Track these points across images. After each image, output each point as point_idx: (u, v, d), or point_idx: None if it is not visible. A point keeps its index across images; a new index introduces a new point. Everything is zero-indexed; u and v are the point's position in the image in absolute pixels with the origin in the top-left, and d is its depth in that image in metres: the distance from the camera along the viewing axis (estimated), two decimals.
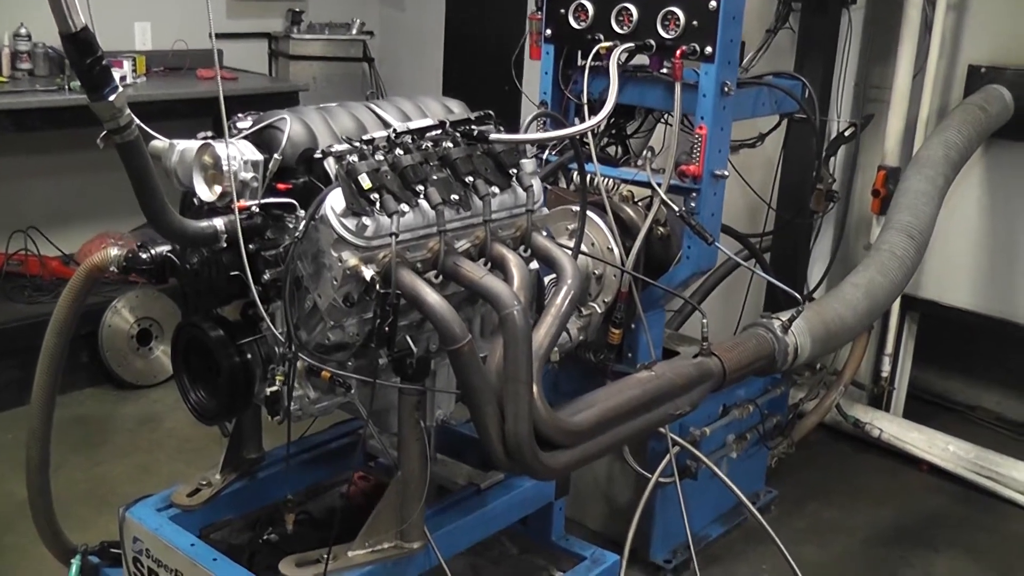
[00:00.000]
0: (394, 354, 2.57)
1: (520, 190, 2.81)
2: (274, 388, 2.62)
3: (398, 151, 2.59)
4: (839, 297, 3.68)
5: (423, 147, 2.67)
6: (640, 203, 3.67)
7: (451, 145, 2.70)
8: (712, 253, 3.56)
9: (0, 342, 4.63)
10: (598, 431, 2.77)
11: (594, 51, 3.51)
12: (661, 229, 3.64)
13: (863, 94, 4.71)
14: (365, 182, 2.47)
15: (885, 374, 4.76)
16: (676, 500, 3.58)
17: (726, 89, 3.41)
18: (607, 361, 3.63)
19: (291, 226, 2.56)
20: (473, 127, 2.78)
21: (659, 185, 3.44)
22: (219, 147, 2.55)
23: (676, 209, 3.42)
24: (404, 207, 2.52)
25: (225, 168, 2.52)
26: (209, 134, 2.79)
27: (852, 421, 4.71)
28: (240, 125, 2.76)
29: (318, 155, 2.59)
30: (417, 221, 2.58)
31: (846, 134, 4.44)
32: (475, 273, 2.59)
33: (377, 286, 2.45)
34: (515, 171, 2.78)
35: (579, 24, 3.63)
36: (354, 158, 2.51)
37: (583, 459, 2.76)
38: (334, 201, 2.48)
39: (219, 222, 2.50)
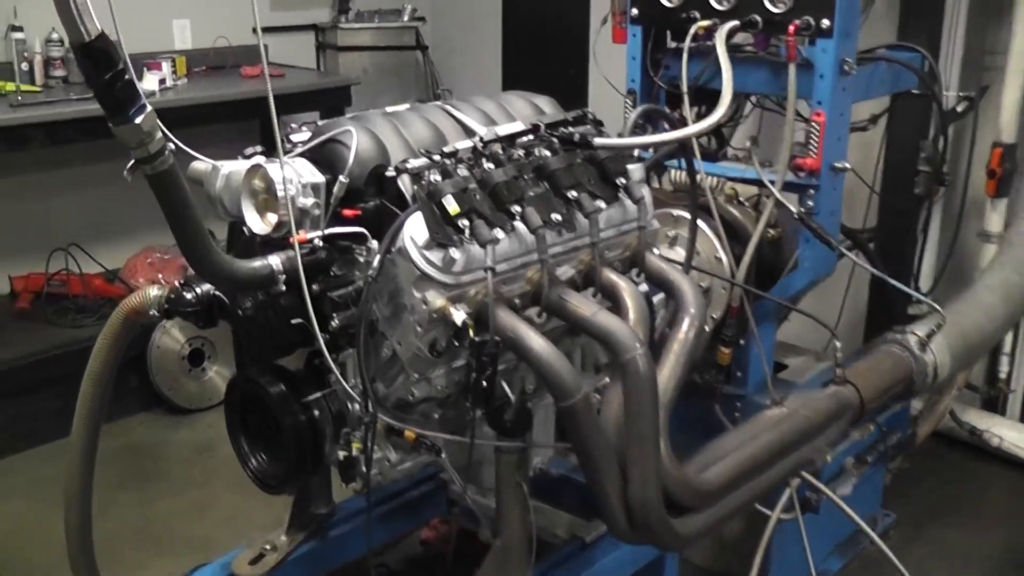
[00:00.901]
0: (490, 409, 2.06)
1: (629, 203, 2.29)
2: (347, 453, 2.12)
3: (487, 164, 2.07)
4: (975, 302, 3.13)
5: (515, 157, 2.15)
6: (746, 203, 3.13)
7: (548, 153, 2.17)
8: (832, 258, 3.02)
9: (43, 371, 4.18)
10: (733, 487, 2.25)
11: (692, 31, 2.95)
12: (772, 231, 3.08)
13: (975, 62, 4.10)
14: (452, 205, 1.95)
15: (1003, 375, 4.17)
16: (794, 534, 3.06)
17: (846, 68, 2.85)
18: (715, 383, 3.09)
19: (362, 260, 2.06)
20: (571, 130, 2.26)
21: (772, 182, 2.89)
22: (272, 168, 2.04)
23: (794, 210, 2.87)
24: (499, 233, 2.01)
25: (280, 193, 2.02)
26: (257, 150, 2.30)
27: (968, 428, 4.14)
28: (295, 138, 2.27)
29: (391, 173, 2.08)
30: (513, 248, 2.06)
31: (959, 109, 3.85)
32: (586, 309, 2.07)
33: (471, 332, 1.94)
34: (622, 180, 2.25)
35: (670, 1, 3.08)
36: (436, 176, 1.99)
37: (718, 522, 2.25)
38: (414, 230, 1.97)
39: (276, 260, 2.00)
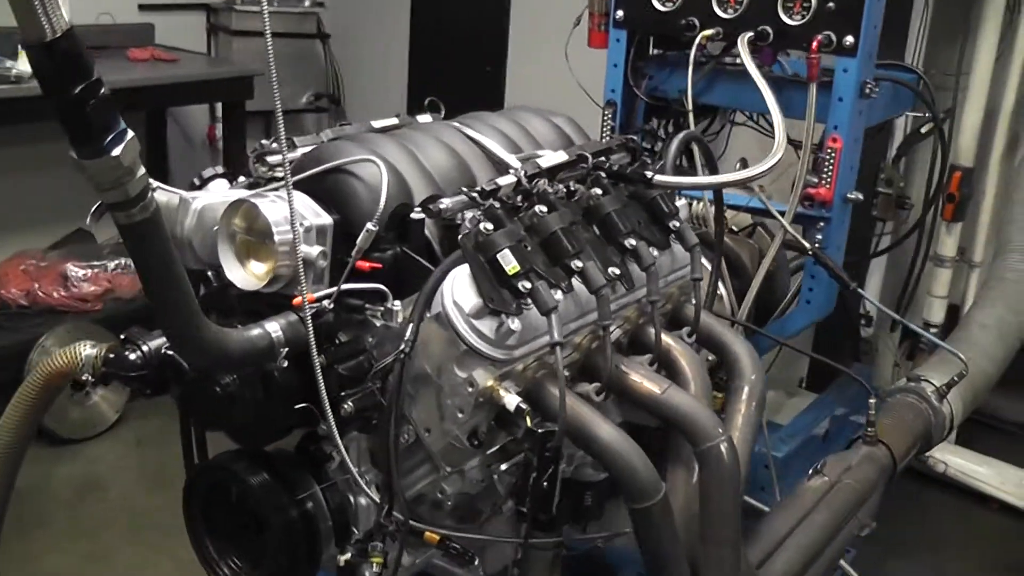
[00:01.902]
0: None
1: (679, 249, 1.88)
2: (349, 558, 1.65)
3: (539, 207, 1.62)
4: (974, 344, 2.86)
5: (558, 193, 1.71)
6: (740, 233, 2.78)
7: (599, 192, 1.74)
8: (834, 296, 2.70)
9: None
10: None
11: (697, 41, 2.56)
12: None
13: (936, 83, 3.86)
14: (509, 263, 1.50)
15: None
16: None
17: (867, 90, 2.52)
18: None
19: (377, 323, 1.58)
20: (617, 161, 1.83)
21: (782, 214, 2.54)
22: (265, 205, 1.54)
23: (808, 246, 2.53)
24: (558, 295, 1.57)
25: (279, 238, 1.52)
26: (218, 171, 1.81)
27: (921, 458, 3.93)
28: (273, 160, 1.76)
29: (418, 214, 1.60)
30: (568, 312, 1.63)
31: (922, 130, 3.60)
32: (653, 385, 1.66)
33: (528, 420, 1.50)
34: (676, 223, 1.84)
35: (665, 5, 2.68)
36: (487, 224, 1.53)
37: None
38: (458, 291, 1.51)
39: (275, 328, 1.51)
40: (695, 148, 2.40)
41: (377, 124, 1.99)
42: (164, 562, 3.17)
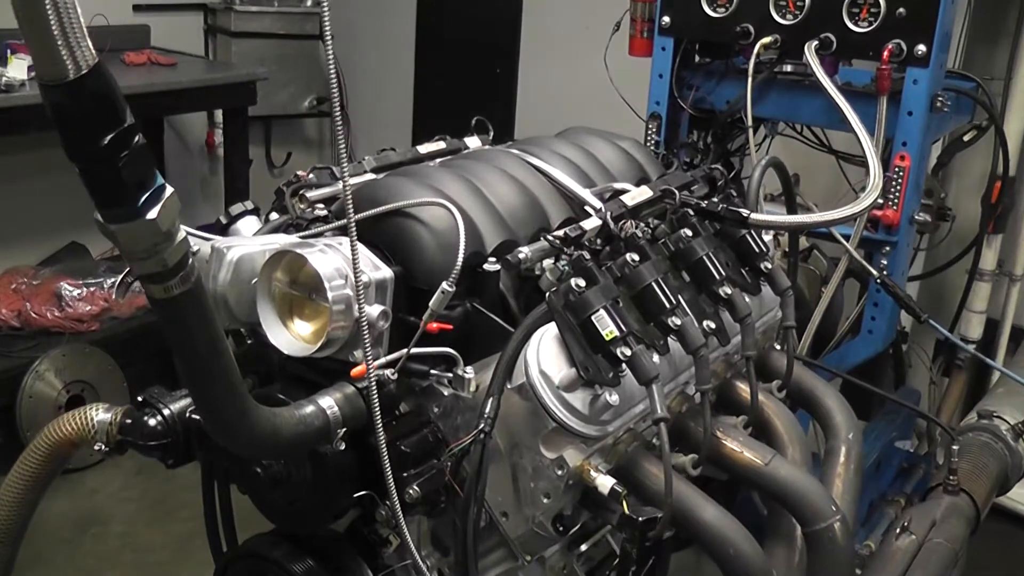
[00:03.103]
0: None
1: (768, 292, 1.65)
2: None
3: (630, 255, 1.38)
4: None
5: (645, 236, 1.47)
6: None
7: (690, 234, 1.50)
8: (896, 325, 2.48)
9: None
10: None
11: (757, 49, 2.33)
12: (821, 290, 2.53)
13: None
14: (607, 327, 1.26)
15: None
16: None
17: (939, 103, 2.30)
18: None
19: (444, 392, 1.35)
20: (701, 191, 1.60)
21: (846, 238, 2.32)
22: (315, 257, 1.30)
23: (875, 273, 2.30)
24: (656, 359, 1.34)
25: (334, 295, 1.28)
26: (248, 207, 1.57)
27: None
28: (312, 195, 1.52)
29: (491, 265, 1.37)
30: (665, 376, 1.39)
31: (965, 138, 3.38)
32: (755, 456, 1.43)
33: (624, 506, 1.27)
34: (767, 265, 1.61)
35: (717, 11, 2.44)
36: (578, 280, 1.29)
37: None
38: (546, 360, 1.27)
39: (329, 403, 1.26)
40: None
41: (423, 149, 1.76)
42: None
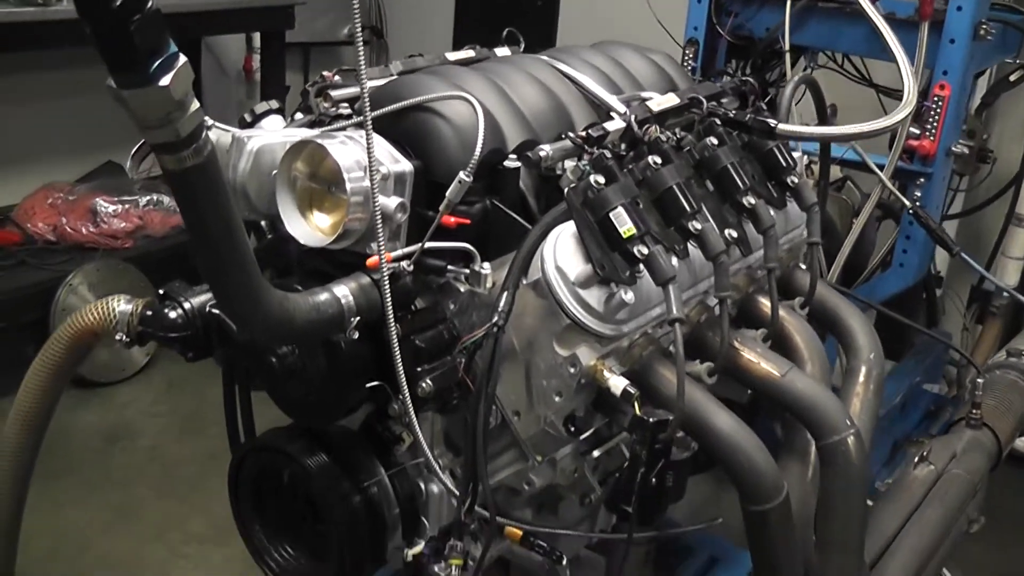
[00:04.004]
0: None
1: (794, 208, 1.62)
2: (416, 551, 1.42)
3: (652, 158, 1.37)
4: None
5: (669, 142, 1.45)
6: (830, 187, 2.51)
7: (715, 142, 1.47)
8: (929, 259, 2.44)
9: None
10: None
11: None
12: (852, 222, 2.49)
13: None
14: (624, 224, 1.25)
15: None
16: None
17: (983, 32, 2.24)
18: None
19: (461, 288, 1.34)
20: (732, 105, 1.57)
21: (880, 167, 2.28)
22: (334, 147, 1.29)
23: (908, 203, 2.27)
24: (674, 262, 1.32)
25: (352, 186, 1.27)
26: (273, 106, 1.56)
27: None
28: (338, 94, 1.51)
29: (512, 163, 1.35)
30: (683, 281, 1.38)
31: (1012, 78, 3.29)
32: (772, 367, 1.41)
33: (636, 407, 1.26)
34: (794, 179, 1.58)
35: None
36: (597, 177, 1.28)
37: None
38: (563, 257, 1.26)
39: (343, 292, 1.26)
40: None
41: (452, 56, 1.73)
42: (194, 519, 2.98)
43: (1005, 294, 3.30)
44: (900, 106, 1.63)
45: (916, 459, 1.89)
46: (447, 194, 1.27)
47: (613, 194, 1.25)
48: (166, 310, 1.44)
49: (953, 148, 2.32)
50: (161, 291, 1.49)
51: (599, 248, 1.25)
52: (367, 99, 1.19)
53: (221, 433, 1.69)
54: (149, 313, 1.47)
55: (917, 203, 2.30)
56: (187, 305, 1.43)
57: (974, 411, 2.04)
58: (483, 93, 1.42)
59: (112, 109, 0.97)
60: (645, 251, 1.25)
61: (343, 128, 1.43)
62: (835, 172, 2.52)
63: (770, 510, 1.32)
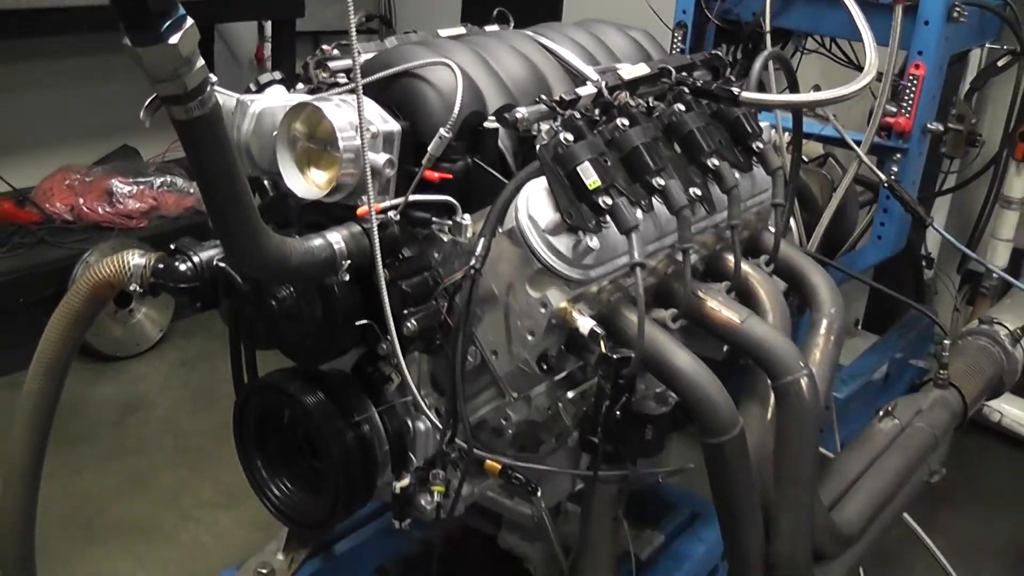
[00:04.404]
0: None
1: (760, 172, 1.76)
2: (406, 485, 1.56)
3: (620, 120, 1.50)
4: None
5: (639, 108, 1.59)
6: (811, 163, 2.64)
7: (682, 108, 1.61)
8: (906, 232, 2.56)
9: None
10: (869, 525, 1.79)
11: None
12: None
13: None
14: (590, 177, 1.39)
15: None
16: None
17: (955, 14, 2.36)
18: None
19: (444, 238, 1.48)
20: (700, 78, 1.71)
21: (857, 143, 2.40)
22: (329, 109, 1.43)
23: (883, 178, 2.39)
24: (639, 214, 1.46)
25: (344, 144, 1.41)
26: (276, 76, 1.70)
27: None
28: (334, 66, 1.65)
29: (491, 124, 1.49)
30: (648, 233, 1.52)
31: (1000, 63, 3.41)
32: (732, 314, 1.55)
33: (602, 345, 1.40)
34: (759, 144, 1.71)
35: None
36: (567, 135, 1.42)
37: (853, 568, 1.80)
38: (533, 205, 1.40)
39: (336, 238, 1.40)
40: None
41: (444, 33, 1.87)
42: (204, 485, 3.13)
43: (995, 275, 3.42)
44: (862, 75, 1.76)
45: (881, 414, 2.02)
46: (429, 149, 1.42)
47: (580, 150, 1.39)
48: (177, 263, 1.58)
49: (929, 126, 2.44)
50: (173, 246, 1.64)
51: (567, 199, 1.38)
52: (358, 66, 1.33)
53: (231, 406, 1.81)
54: (161, 266, 1.61)
55: (893, 178, 2.42)
56: (196, 259, 1.58)
57: (941, 372, 2.16)
58: (467, 62, 1.56)
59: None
60: (609, 201, 1.38)
61: (339, 93, 1.57)
62: (818, 149, 2.65)
63: (726, 442, 1.45)
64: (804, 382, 1.50)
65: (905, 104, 2.39)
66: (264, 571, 2.02)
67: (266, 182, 1.64)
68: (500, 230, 1.41)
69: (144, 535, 2.95)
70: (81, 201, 3.80)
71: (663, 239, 1.56)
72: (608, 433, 1.43)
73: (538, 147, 1.41)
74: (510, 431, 1.64)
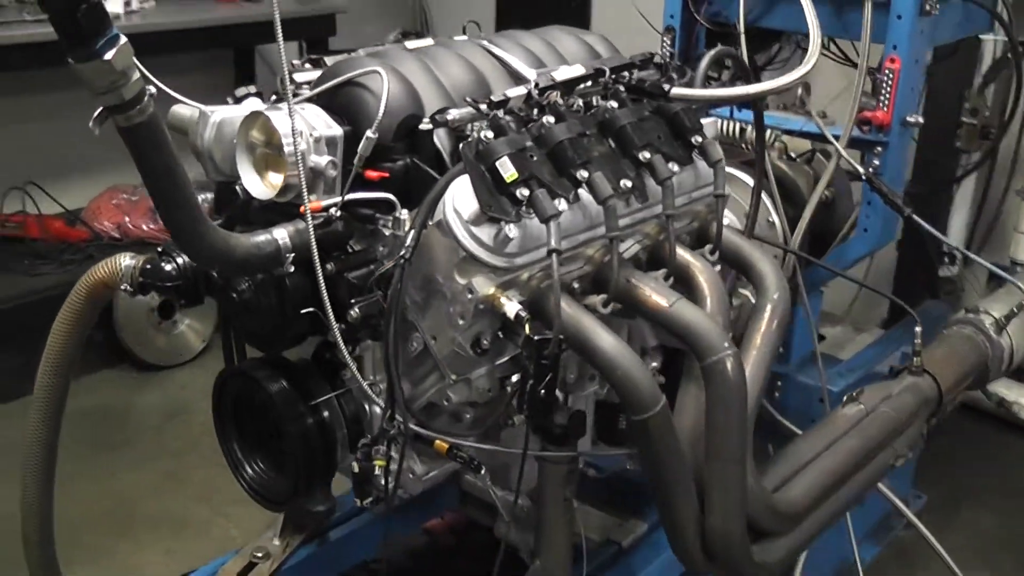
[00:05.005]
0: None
1: (703, 165, 1.86)
2: (364, 464, 1.70)
3: (546, 117, 1.63)
4: None
5: (575, 108, 1.71)
6: (799, 159, 2.71)
7: (615, 105, 1.73)
8: (894, 225, 2.62)
9: None
10: (817, 506, 1.87)
11: None
12: (825, 192, 2.68)
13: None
14: (508, 170, 1.51)
15: None
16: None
17: (927, 8, 2.42)
18: None
19: (387, 233, 1.62)
20: (639, 75, 1.82)
21: (836, 138, 2.47)
22: (277, 117, 1.59)
23: (861, 170, 2.46)
24: (562, 205, 1.57)
25: (288, 149, 1.56)
26: (251, 91, 1.85)
27: (995, 400, 3.79)
28: (299, 78, 1.80)
29: (426, 125, 1.63)
30: (576, 223, 1.64)
31: (1009, 56, 3.42)
32: (662, 298, 1.65)
33: (527, 328, 1.52)
34: (698, 139, 1.81)
35: None
36: (487, 132, 1.55)
37: (801, 546, 1.88)
38: (458, 199, 1.53)
39: (282, 234, 1.56)
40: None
41: (411, 45, 2.01)
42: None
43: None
44: (803, 64, 1.84)
45: (845, 399, 2.09)
46: (359, 149, 1.56)
47: (499, 145, 1.51)
48: (162, 264, 1.76)
49: (908, 119, 2.49)
50: (159, 248, 1.82)
51: (487, 191, 1.51)
52: (288, 82, 1.48)
53: None
54: (148, 267, 1.79)
55: (873, 170, 2.48)
56: (180, 260, 1.76)
57: (915, 359, 2.22)
58: (409, 70, 1.70)
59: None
60: (527, 192, 1.51)
61: (299, 102, 1.72)
62: (806, 145, 2.71)
63: (649, 419, 1.55)
64: (729, 362, 1.59)
65: (883, 98, 2.45)
66: (259, 554, 2.18)
67: (237, 187, 1.80)
68: (431, 223, 1.54)
69: (175, 530, 3.15)
70: (127, 219, 4.05)
71: (597, 228, 1.67)
72: (537, 411, 1.54)
73: (461, 145, 1.54)
74: (467, 415, 1.77)
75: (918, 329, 2.22)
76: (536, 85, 1.67)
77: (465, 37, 2.09)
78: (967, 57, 3.40)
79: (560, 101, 1.66)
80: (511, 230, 1.51)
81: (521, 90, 1.67)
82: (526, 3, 5.05)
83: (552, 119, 1.61)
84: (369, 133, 1.55)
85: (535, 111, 1.66)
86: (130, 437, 3.63)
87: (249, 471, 1.82)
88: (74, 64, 1.25)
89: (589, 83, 1.78)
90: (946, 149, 3.51)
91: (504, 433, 1.81)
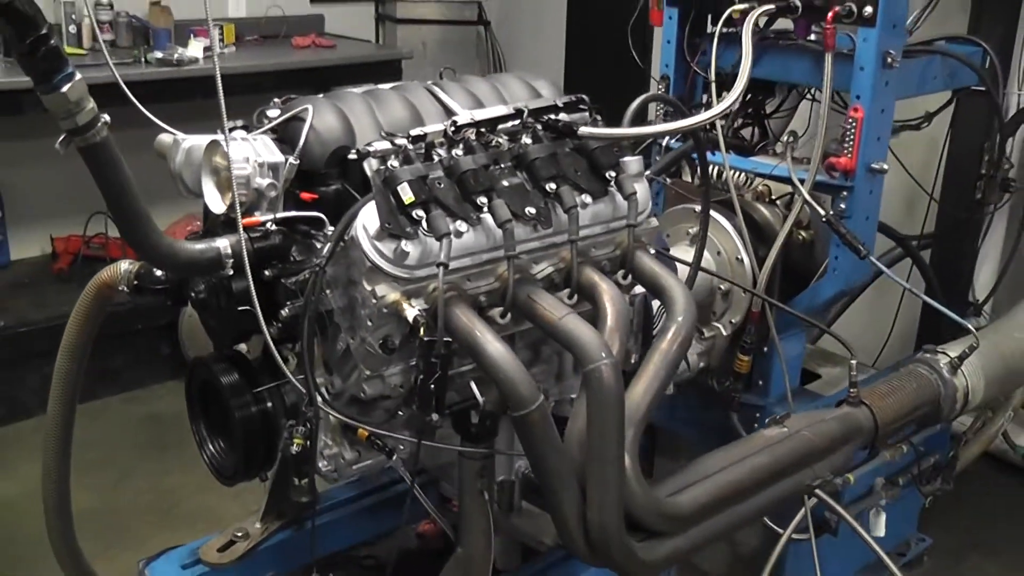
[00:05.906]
0: (452, 410, 1.92)
1: (620, 198, 2.10)
2: (301, 448, 1.99)
3: (457, 151, 1.92)
4: (1018, 323, 2.85)
5: (492, 144, 1.99)
6: (779, 201, 2.91)
7: (529, 141, 2.00)
8: (866, 267, 2.78)
9: None
10: (710, 512, 2.06)
11: (726, 15, 2.74)
12: (803, 234, 2.87)
13: None
14: (406, 194, 1.80)
15: None
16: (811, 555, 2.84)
17: (889, 60, 2.61)
18: (733, 391, 2.90)
19: (319, 246, 1.93)
20: (557, 116, 2.08)
21: (802, 181, 2.67)
22: (230, 146, 1.92)
23: (822, 212, 2.65)
24: (461, 226, 1.85)
25: (235, 171, 1.89)
26: (239, 124, 2.18)
27: (1021, 452, 3.84)
28: (271, 114, 2.13)
29: (352, 156, 1.94)
30: (479, 243, 1.91)
31: None
32: (552, 312, 1.90)
33: (421, 330, 1.80)
34: (612, 174, 2.07)
35: None
36: (394, 162, 1.84)
37: (690, 549, 2.07)
38: (368, 218, 1.83)
39: (224, 243, 1.88)
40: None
41: (383, 87, 2.33)
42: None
43: None
44: (720, 103, 2.07)
45: (768, 421, 2.27)
46: (283, 172, 1.88)
47: (401, 173, 1.81)
48: (154, 269, 2.11)
49: (872, 165, 2.67)
50: None
51: (388, 211, 1.80)
52: (225, 122, 1.81)
53: None
54: (142, 271, 2.14)
55: (840, 214, 2.66)
56: None
57: (852, 390, 2.38)
58: (351, 108, 2.01)
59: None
60: (421, 213, 1.79)
61: (260, 133, 2.04)
62: (785, 188, 2.91)
63: (528, 414, 1.79)
64: (605, 370, 1.82)
65: (847, 144, 2.63)
66: (239, 534, 2.50)
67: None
68: (347, 237, 1.84)
69: (208, 523, 3.50)
70: None
71: (498, 250, 1.93)
72: (425, 404, 1.81)
73: (371, 172, 1.84)
74: (400, 414, 2.05)
75: (853, 362, 2.38)
76: (453, 123, 1.96)
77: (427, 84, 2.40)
78: (991, 108, 3.52)
79: (474, 137, 1.94)
80: (408, 246, 1.80)
81: (439, 126, 1.96)
82: (594, 53, 5.36)
83: (461, 152, 1.90)
84: (291, 159, 1.87)
85: (455, 145, 1.95)
86: (182, 440, 3.99)
87: (210, 448, 2.14)
88: (40, 95, 1.60)
89: (516, 122, 2.06)
90: (970, 201, 3.62)
91: (439, 432, 2.08)
